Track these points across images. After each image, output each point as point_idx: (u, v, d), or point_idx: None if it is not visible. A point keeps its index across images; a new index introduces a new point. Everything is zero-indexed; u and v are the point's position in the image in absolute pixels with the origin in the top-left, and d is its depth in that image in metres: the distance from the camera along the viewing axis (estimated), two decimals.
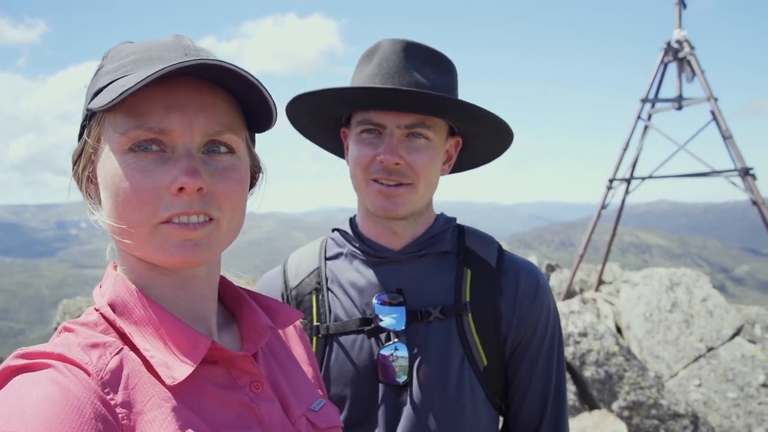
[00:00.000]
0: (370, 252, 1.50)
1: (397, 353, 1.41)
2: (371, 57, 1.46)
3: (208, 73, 0.86)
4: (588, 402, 5.51)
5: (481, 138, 1.54)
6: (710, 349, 6.77)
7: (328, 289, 1.52)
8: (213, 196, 0.88)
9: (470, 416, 1.42)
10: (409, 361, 1.41)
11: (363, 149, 1.42)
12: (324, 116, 1.53)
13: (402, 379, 1.40)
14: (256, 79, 0.86)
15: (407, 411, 1.41)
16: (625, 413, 5.27)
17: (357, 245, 1.53)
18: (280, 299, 1.56)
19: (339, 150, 1.66)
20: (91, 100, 0.88)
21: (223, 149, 0.90)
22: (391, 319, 1.42)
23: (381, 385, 1.43)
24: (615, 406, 5.31)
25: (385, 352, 1.41)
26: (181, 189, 0.84)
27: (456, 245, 1.53)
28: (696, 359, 6.77)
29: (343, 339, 1.47)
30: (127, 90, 0.78)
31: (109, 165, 0.86)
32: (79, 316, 0.93)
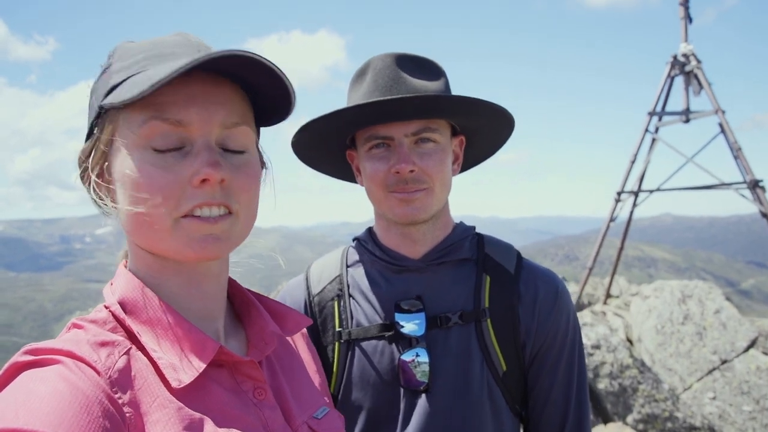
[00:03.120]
0: (391, 261, 1.53)
1: (418, 359, 1.42)
2: (364, 75, 1.49)
3: (227, 67, 0.86)
4: (602, 415, 5.45)
5: (483, 131, 1.57)
6: (724, 362, 6.72)
7: (349, 295, 1.54)
8: (232, 189, 0.89)
9: (491, 421, 1.43)
10: (430, 366, 1.42)
11: (376, 164, 1.44)
12: (328, 142, 1.56)
13: (423, 384, 1.42)
14: (279, 69, 0.87)
15: (428, 416, 1.42)
16: (640, 426, 5.22)
17: (377, 254, 1.55)
18: (302, 306, 1.58)
19: (346, 175, 1.70)
20: (105, 97, 0.88)
21: (237, 146, 0.92)
22: (411, 325, 1.44)
23: (402, 390, 1.44)
24: (629, 419, 5.26)
25: (405, 357, 1.43)
26: (203, 181, 0.85)
27: (476, 252, 1.55)
28: (710, 372, 6.71)
29: (364, 344, 1.49)
30: (159, 81, 0.78)
31: (127, 162, 0.86)
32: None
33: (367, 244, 1.59)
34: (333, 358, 1.51)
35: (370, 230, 1.64)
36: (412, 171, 1.40)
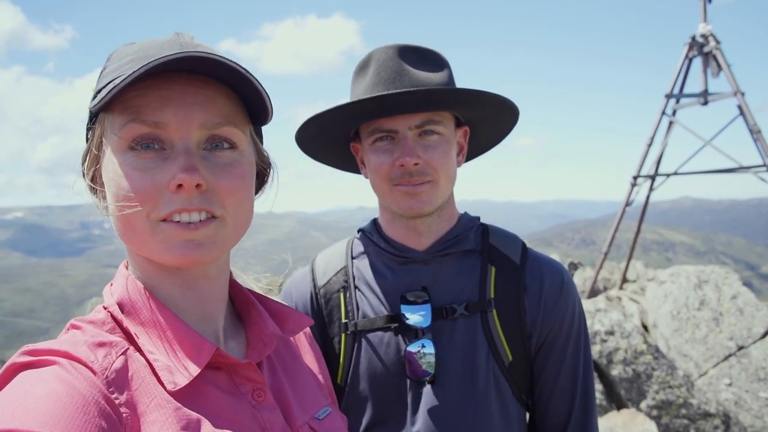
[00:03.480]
0: (396, 253, 1.53)
1: (424, 350, 1.43)
2: (366, 68, 1.49)
3: (201, 67, 0.85)
4: (615, 401, 5.44)
5: (487, 122, 1.57)
6: (741, 348, 6.66)
7: (355, 287, 1.55)
8: (215, 193, 0.87)
9: (497, 410, 1.44)
10: (436, 357, 1.43)
11: (381, 157, 1.45)
12: (332, 135, 1.56)
13: (429, 374, 1.43)
14: (242, 67, 0.86)
15: (434, 406, 1.43)
16: (654, 412, 5.20)
17: (382, 246, 1.55)
18: (308, 298, 1.59)
19: (350, 166, 1.70)
20: (92, 100, 0.89)
21: (224, 145, 0.90)
22: (417, 316, 1.45)
23: (408, 381, 1.45)
24: (643, 405, 5.24)
25: (411, 348, 1.44)
26: (179, 186, 0.84)
27: (480, 243, 1.55)
28: (726, 358, 6.66)
29: (370, 336, 1.50)
30: (116, 86, 0.78)
31: (110, 165, 0.86)
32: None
33: (372, 235, 1.60)
34: (339, 349, 1.52)
35: (375, 222, 1.65)
36: (416, 164, 1.41)
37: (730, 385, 6.39)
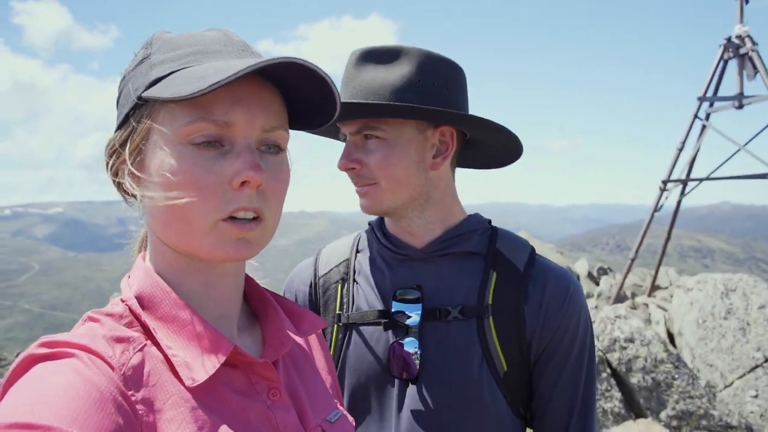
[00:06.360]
0: (394, 249, 1.52)
1: (409, 348, 1.41)
2: None
3: (276, 71, 0.85)
4: (635, 410, 5.33)
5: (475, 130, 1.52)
6: None
7: (354, 280, 1.55)
8: (265, 194, 0.88)
9: (489, 420, 1.41)
10: (421, 357, 1.41)
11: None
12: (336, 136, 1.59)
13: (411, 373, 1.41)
14: (332, 82, 0.86)
15: (415, 405, 1.41)
16: (674, 423, 5.08)
17: (382, 242, 1.55)
18: (308, 286, 1.60)
19: None
20: (147, 88, 0.86)
21: (274, 148, 0.90)
22: (407, 314, 1.44)
23: (394, 378, 1.44)
24: (663, 415, 5.13)
25: (397, 345, 1.42)
26: (243, 183, 0.84)
27: (486, 247, 1.51)
28: (752, 369, 6.46)
29: (361, 329, 1.49)
30: (220, 82, 0.76)
31: (167, 157, 0.84)
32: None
33: (376, 230, 1.59)
34: (330, 340, 1.53)
35: (380, 217, 1.63)
36: (353, 168, 1.42)
37: (756, 396, 6.20)
